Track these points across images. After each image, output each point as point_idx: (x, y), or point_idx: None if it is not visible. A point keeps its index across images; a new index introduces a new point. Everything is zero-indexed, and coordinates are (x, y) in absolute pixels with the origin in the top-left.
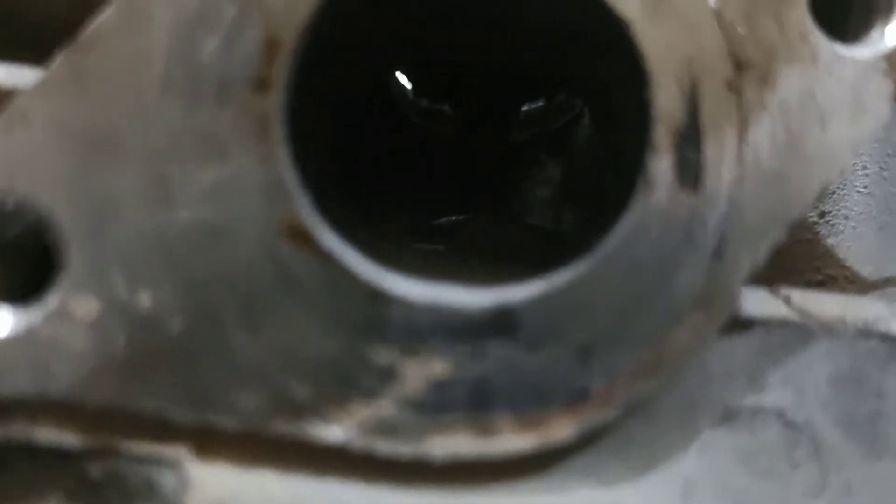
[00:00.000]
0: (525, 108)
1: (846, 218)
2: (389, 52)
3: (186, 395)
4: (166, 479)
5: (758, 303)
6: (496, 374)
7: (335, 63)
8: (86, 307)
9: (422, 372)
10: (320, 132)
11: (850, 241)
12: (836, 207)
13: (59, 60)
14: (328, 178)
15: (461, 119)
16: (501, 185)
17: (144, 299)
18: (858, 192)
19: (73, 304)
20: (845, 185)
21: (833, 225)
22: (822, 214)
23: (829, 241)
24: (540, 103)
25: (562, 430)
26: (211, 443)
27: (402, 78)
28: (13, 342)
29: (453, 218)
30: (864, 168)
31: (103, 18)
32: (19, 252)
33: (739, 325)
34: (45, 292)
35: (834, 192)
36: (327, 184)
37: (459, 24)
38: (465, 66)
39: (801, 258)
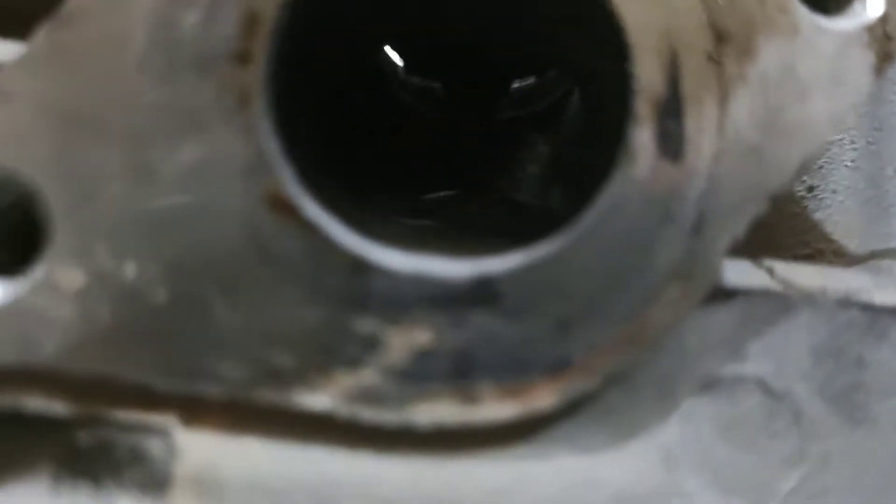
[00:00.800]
0: (516, 85)
1: (834, 192)
2: (377, 26)
3: (171, 365)
4: (154, 447)
5: (741, 274)
6: (478, 344)
7: (321, 36)
8: (71, 278)
9: (405, 341)
10: (307, 108)
11: (838, 216)
12: (825, 182)
13: (39, 37)
14: (315, 154)
15: (451, 96)
16: (490, 161)
17: (129, 272)
18: (846, 166)
19: (58, 275)
20: (833, 159)
21: (821, 199)
22: (811, 189)
23: (817, 215)
24: (530, 80)
25: (544, 398)
26: (197, 411)
27: (394, 55)
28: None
29: (441, 194)
30: (853, 142)
31: None
32: (6, 226)
33: (721, 295)
34: (32, 264)
35: (822, 167)
36: (314, 160)
37: (445, 2)
38: (455, 42)
39: (788, 232)
